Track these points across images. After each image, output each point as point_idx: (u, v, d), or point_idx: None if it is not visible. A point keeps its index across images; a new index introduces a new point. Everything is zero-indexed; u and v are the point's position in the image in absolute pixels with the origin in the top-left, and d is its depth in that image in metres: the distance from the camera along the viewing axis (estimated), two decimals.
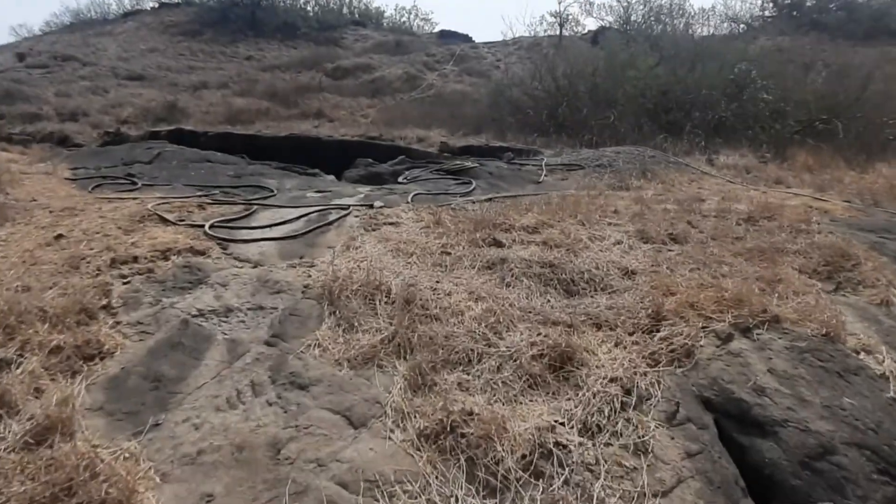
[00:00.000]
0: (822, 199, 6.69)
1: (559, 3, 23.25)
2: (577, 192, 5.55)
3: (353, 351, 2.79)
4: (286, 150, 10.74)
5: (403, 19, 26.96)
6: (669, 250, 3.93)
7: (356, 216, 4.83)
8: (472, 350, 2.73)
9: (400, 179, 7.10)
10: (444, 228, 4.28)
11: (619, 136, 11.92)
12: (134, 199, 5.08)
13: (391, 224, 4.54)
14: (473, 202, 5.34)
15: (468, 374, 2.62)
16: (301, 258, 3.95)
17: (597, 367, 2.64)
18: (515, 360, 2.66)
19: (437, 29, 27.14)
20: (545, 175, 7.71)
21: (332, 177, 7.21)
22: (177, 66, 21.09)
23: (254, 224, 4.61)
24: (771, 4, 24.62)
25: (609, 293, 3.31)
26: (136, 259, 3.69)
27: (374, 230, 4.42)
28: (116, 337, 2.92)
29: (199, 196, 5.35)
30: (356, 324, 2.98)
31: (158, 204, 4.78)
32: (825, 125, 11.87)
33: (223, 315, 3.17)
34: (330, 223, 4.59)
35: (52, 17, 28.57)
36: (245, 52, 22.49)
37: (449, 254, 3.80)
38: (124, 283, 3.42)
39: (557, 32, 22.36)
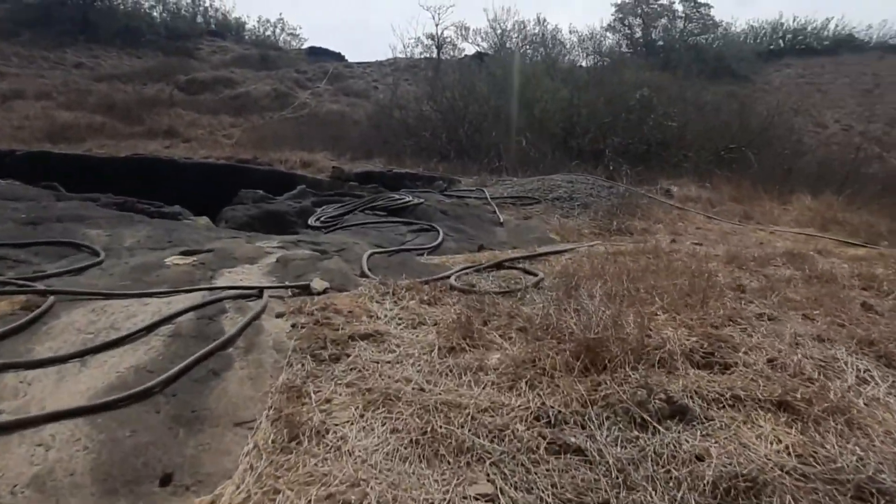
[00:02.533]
0: (850, 242, 5.26)
1: (436, 26, 21.53)
2: (616, 249, 3.39)
3: None
4: (128, 176, 7.58)
5: (268, 33, 23.60)
6: None
7: (279, 314, 2.25)
8: None
9: (312, 222, 4.49)
10: (501, 355, 1.86)
11: (530, 161, 10.29)
12: None
13: (368, 338, 2.02)
14: (478, 270, 2.96)
15: None
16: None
17: None
18: None
19: (305, 45, 24.19)
20: (500, 213, 5.56)
21: (205, 219, 4.38)
22: None
23: (40, 352, 1.86)
24: (626, 42, 25.04)
25: None
26: None
27: (335, 360, 1.88)
28: None
29: None
30: None
31: None
32: (730, 155, 11.14)
33: None
34: (228, 342, 1.97)
35: None
36: (74, 59, 18.05)
37: (581, 453, 1.40)
38: None
39: (434, 55, 20.56)
